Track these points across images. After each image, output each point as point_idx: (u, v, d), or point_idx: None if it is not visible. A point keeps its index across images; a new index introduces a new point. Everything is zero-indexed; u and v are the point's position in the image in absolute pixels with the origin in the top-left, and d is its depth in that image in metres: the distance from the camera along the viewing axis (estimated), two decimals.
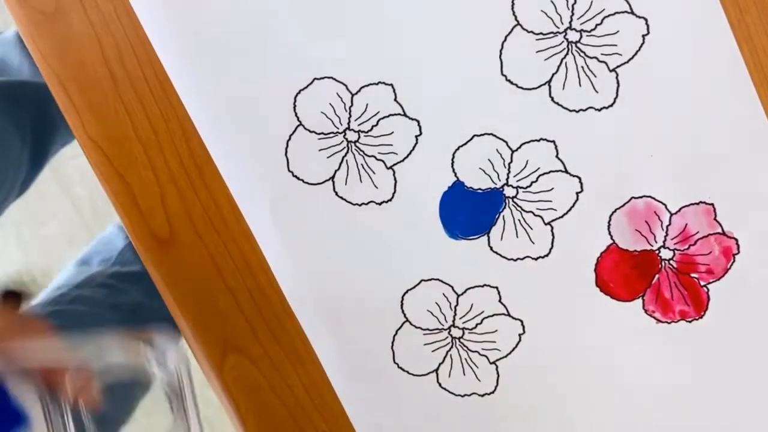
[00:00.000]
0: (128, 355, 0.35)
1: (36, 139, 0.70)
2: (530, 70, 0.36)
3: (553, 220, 0.38)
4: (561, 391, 0.40)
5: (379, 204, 0.39)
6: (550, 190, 0.38)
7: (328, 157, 0.39)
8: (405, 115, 0.38)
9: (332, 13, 0.37)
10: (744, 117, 0.36)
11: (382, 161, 0.39)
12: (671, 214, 0.37)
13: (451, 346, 0.41)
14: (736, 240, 0.37)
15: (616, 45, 0.36)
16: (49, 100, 0.72)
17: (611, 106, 0.36)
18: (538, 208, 0.38)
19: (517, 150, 0.38)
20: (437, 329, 0.41)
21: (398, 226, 0.39)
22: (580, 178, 0.38)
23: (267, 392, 0.42)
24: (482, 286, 0.39)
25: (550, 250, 0.39)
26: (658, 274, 0.38)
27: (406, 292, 0.40)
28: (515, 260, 0.39)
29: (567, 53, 0.36)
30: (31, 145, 0.69)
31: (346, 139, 0.39)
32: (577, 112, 0.37)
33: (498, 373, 0.41)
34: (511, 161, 0.38)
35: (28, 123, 0.68)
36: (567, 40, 0.36)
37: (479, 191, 0.38)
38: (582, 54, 0.36)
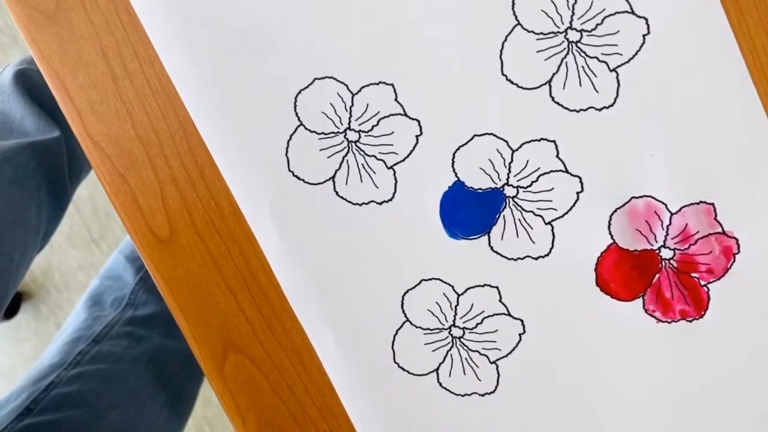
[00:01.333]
0: None
1: (52, 197, 0.70)
2: (530, 70, 0.36)
3: (553, 220, 0.38)
4: (561, 390, 0.40)
5: (380, 204, 0.39)
6: (551, 189, 0.38)
7: (328, 157, 0.39)
8: (405, 115, 0.38)
9: (333, 13, 0.37)
10: (744, 117, 0.36)
11: (383, 161, 0.39)
12: (671, 214, 0.37)
13: (452, 346, 0.41)
14: (737, 240, 0.37)
15: (616, 45, 0.36)
16: (59, 155, 0.72)
17: (611, 106, 0.36)
18: (538, 208, 0.38)
19: (517, 150, 0.38)
20: (438, 329, 0.41)
21: (399, 226, 0.39)
22: (580, 178, 0.38)
23: (267, 392, 0.42)
24: (482, 286, 0.40)
25: (551, 249, 0.39)
26: (658, 274, 0.38)
27: (407, 291, 0.40)
28: (515, 260, 0.39)
29: (567, 53, 0.36)
30: (48, 204, 0.69)
31: (347, 138, 0.39)
32: (578, 111, 0.37)
33: (498, 372, 0.41)
34: (512, 161, 0.38)
35: (44, 185, 0.68)
36: (567, 39, 0.36)
37: (479, 191, 0.38)
38: (582, 54, 0.36)
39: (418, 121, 0.38)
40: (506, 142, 0.38)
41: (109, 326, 0.72)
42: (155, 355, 0.72)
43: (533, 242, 0.39)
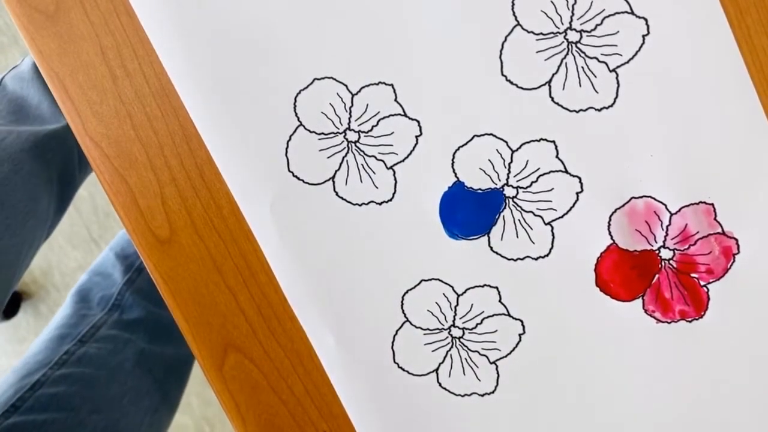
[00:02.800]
0: None
1: (61, 187, 0.70)
2: (530, 71, 0.36)
3: (553, 220, 0.38)
4: (561, 390, 0.40)
5: (380, 204, 0.39)
6: (550, 190, 0.38)
7: (328, 158, 0.39)
8: (405, 115, 0.38)
9: (332, 13, 0.37)
10: (744, 117, 0.36)
11: (383, 161, 0.39)
12: (671, 214, 0.37)
13: (451, 346, 0.41)
14: (736, 240, 0.37)
15: (616, 45, 0.36)
16: (71, 146, 0.73)
17: (611, 106, 0.36)
18: (538, 208, 0.38)
19: (517, 150, 0.38)
20: (437, 329, 0.41)
21: (398, 226, 0.39)
22: (580, 178, 0.38)
23: (267, 392, 0.42)
24: (482, 286, 0.40)
25: (550, 250, 0.39)
26: (658, 274, 0.38)
27: (407, 292, 0.40)
28: (515, 260, 0.39)
29: (567, 53, 0.36)
30: (57, 196, 0.70)
31: (347, 139, 0.39)
32: (577, 112, 0.37)
33: (498, 372, 0.41)
34: (511, 161, 0.38)
35: (55, 176, 0.68)
36: (567, 40, 0.36)
37: (479, 191, 0.38)
38: (582, 54, 0.36)
39: (418, 122, 0.38)
40: (506, 142, 0.38)
41: (95, 327, 0.73)
42: (139, 360, 0.73)
43: (533, 242, 0.39)
